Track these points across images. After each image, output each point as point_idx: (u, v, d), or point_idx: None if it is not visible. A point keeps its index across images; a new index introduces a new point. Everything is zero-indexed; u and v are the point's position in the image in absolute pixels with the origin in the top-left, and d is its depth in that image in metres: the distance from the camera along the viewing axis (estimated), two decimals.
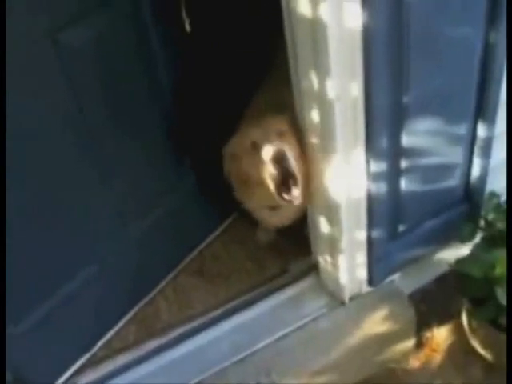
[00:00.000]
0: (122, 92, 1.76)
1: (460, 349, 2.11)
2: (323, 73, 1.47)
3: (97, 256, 1.91)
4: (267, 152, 1.68)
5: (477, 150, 1.91)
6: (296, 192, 1.71)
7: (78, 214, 1.79)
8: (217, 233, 2.32)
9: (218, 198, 2.18)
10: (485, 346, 2.00)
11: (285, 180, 1.71)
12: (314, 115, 1.61)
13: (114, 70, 1.71)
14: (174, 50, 1.85)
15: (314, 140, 1.69)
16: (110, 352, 2.01)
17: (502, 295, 1.69)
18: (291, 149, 1.71)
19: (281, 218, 2.00)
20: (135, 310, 2.11)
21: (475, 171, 1.96)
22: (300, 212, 1.97)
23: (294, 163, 1.69)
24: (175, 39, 1.85)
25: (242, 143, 1.81)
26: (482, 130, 1.86)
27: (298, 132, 1.77)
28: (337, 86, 1.48)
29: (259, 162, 1.72)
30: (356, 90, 1.51)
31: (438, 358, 2.11)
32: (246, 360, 1.93)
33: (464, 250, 1.98)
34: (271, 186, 1.72)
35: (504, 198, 1.97)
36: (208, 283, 2.16)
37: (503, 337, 1.83)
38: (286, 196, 1.72)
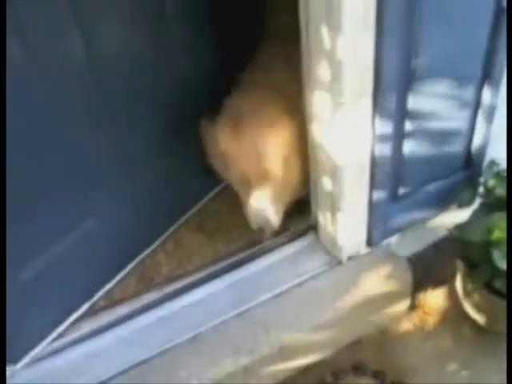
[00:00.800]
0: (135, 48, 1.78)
1: (452, 312, 2.15)
2: (335, 29, 1.47)
3: (99, 207, 1.92)
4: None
5: (480, 117, 1.93)
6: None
7: (81, 165, 1.79)
8: (218, 189, 2.34)
9: None
10: (478, 309, 2.03)
11: None
12: (322, 72, 1.61)
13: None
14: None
15: (319, 96, 1.71)
16: (110, 302, 2.04)
17: (498, 258, 1.72)
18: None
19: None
20: (135, 262, 2.13)
21: (477, 138, 1.99)
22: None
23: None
24: None
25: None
26: (486, 97, 1.88)
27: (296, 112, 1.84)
28: (348, 43, 1.48)
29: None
30: (367, 48, 1.52)
31: (430, 321, 2.15)
32: (244, 315, 1.96)
33: (462, 216, 2.01)
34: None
35: (503, 166, 1.99)
36: (208, 238, 2.19)
37: (496, 300, 1.88)
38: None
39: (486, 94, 1.88)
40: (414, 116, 1.76)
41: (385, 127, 1.72)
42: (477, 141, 2.00)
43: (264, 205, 1.85)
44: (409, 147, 1.83)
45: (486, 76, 1.84)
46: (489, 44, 1.77)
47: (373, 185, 1.86)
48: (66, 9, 1.54)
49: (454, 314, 2.15)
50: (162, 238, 2.19)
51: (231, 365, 1.87)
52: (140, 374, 1.87)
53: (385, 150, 1.78)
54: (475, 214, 1.95)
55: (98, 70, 1.70)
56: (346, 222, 1.93)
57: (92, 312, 2.01)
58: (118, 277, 2.09)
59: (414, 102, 1.72)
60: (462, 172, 2.05)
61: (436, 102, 1.79)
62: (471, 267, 1.94)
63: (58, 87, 1.61)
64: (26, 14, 1.45)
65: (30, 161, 1.63)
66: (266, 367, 1.93)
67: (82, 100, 1.70)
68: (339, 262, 2.05)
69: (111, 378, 1.85)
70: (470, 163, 2.05)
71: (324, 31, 1.51)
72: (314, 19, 1.54)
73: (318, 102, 1.70)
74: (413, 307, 2.17)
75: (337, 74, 1.56)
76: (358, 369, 2.04)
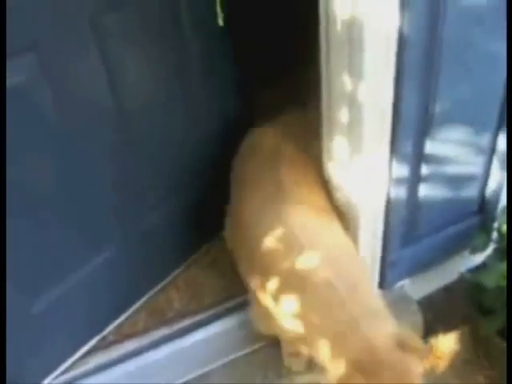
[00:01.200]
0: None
1: (464, 358, 2.13)
2: (356, 76, 1.50)
3: (111, 243, 1.93)
4: None
5: (496, 163, 1.94)
6: None
7: (91, 201, 1.80)
8: None
9: None
10: (490, 356, 2.02)
11: None
12: (342, 115, 1.63)
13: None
14: (207, 43, 1.89)
15: (338, 138, 1.72)
16: (120, 337, 2.03)
17: None
18: None
19: None
20: (146, 297, 2.12)
21: (492, 183, 2.00)
22: None
23: None
24: (208, 33, 1.88)
25: None
26: (502, 143, 1.89)
27: None
28: (369, 88, 1.50)
29: None
30: (386, 94, 1.54)
31: (441, 366, 2.13)
32: (255, 353, 1.97)
33: (474, 261, 2.02)
34: None
35: None
36: (220, 275, 2.18)
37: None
38: None
39: (502, 141, 1.89)
40: (431, 160, 1.78)
41: (401, 171, 1.73)
42: (491, 186, 2.00)
43: None
44: (424, 191, 1.84)
45: (502, 123, 1.86)
46: (505, 91, 1.78)
47: (387, 228, 1.86)
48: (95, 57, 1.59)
49: (465, 360, 2.12)
50: (174, 274, 2.19)
51: None
52: None
53: (400, 193, 1.79)
54: (489, 259, 1.95)
55: (121, 119, 1.74)
56: None
57: (101, 346, 2.00)
58: (129, 312, 2.08)
59: (430, 147, 1.74)
60: (475, 217, 2.06)
61: (452, 148, 1.80)
62: (484, 313, 1.93)
63: (81, 133, 1.65)
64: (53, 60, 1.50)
65: (52, 197, 1.67)
66: None
67: (105, 143, 1.74)
68: None
69: None
70: (484, 208, 2.05)
71: (345, 77, 1.53)
72: (335, 66, 1.56)
73: (337, 144, 1.72)
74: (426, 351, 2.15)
75: (356, 118, 1.58)
76: None
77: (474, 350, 2.10)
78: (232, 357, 1.95)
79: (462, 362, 2.13)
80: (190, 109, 1.95)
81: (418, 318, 2.07)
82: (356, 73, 1.49)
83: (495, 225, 2.02)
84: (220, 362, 1.95)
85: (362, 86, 1.50)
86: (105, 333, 2.02)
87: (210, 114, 2.03)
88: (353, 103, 1.56)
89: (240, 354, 1.96)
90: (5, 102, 1.40)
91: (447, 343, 2.16)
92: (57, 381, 1.91)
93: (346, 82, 1.54)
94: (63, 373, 1.93)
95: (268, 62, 2.17)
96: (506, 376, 1.93)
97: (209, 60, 1.94)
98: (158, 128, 1.87)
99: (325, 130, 1.75)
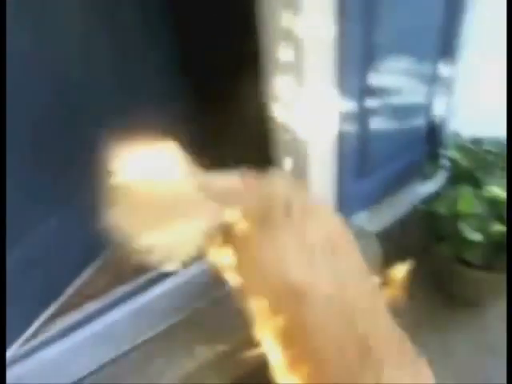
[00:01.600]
0: None
1: (424, 286, 2.17)
2: (294, 8, 1.46)
3: (62, 203, 1.88)
4: None
5: (439, 90, 1.95)
6: None
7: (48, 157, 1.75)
8: None
9: None
10: (449, 281, 2.06)
11: None
12: (283, 52, 1.60)
13: None
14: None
15: (280, 77, 1.69)
16: (80, 299, 1.99)
17: (466, 229, 1.74)
18: None
19: None
20: (102, 257, 2.09)
21: (437, 111, 2.01)
22: None
23: None
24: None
25: None
26: (444, 71, 1.90)
27: None
28: (308, 22, 1.47)
29: None
30: (328, 27, 1.51)
31: (402, 296, 2.16)
32: (220, 301, 1.95)
33: (428, 189, 2.03)
34: None
35: (466, 137, 2.02)
36: None
37: (467, 271, 1.90)
38: None
39: (444, 69, 1.90)
40: (377, 93, 1.78)
41: (348, 105, 1.73)
42: (437, 113, 2.01)
43: None
44: (372, 123, 1.84)
45: (443, 51, 1.86)
46: (444, 20, 1.79)
47: (339, 161, 1.86)
48: None
49: (426, 287, 2.16)
50: None
51: (207, 353, 1.86)
52: (115, 370, 1.86)
53: (349, 127, 1.79)
54: (441, 187, 1.97)
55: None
56: None
57: (62, 310, 1.97)
58: (87, 273, 2.04)
59: (375, 79, 1.73)
60: (425, 145, 2.07)
61: (397, 78, 1.80)
62: (440, 240, 1.96)
63: None
64: None
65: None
66: (242, 354, 1.93)
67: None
68: None
69: (88, 375, 1.83)
70: (432, 137, 2.06)
71: (283, 11, 1.49)
72: (273, 2, 1.52)
73: (280, 82, 1.69)
74: (383, 283, 2.17)
75: (298, 54, 1.55)
76: None
77: (435, 278, 2.13)
78: (196, 306, 1.94)
79: (423, 291, 2.16)
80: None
81: (377, 251, 2.09)
82: (294, 5, 1.45)
83: (444, 152, 2.03)
84: (184, 314, 1.93)
85: (302, 20, 1.46)
86: (64, 297, 1.99)
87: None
88: (293, 37, 1.52)
89: (205, 303, 1.95)
90: (5, 98, 1.35)
91: (405, 274, 2.19)
92: (21, 350, 1.87)
93: (285, 15, 1.50)
94: (27, 341, 1.89)
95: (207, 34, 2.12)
96: (465, 299, 1.98)
97: (147, 30, 1.88)
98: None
99: (265, 68, 1.72)
